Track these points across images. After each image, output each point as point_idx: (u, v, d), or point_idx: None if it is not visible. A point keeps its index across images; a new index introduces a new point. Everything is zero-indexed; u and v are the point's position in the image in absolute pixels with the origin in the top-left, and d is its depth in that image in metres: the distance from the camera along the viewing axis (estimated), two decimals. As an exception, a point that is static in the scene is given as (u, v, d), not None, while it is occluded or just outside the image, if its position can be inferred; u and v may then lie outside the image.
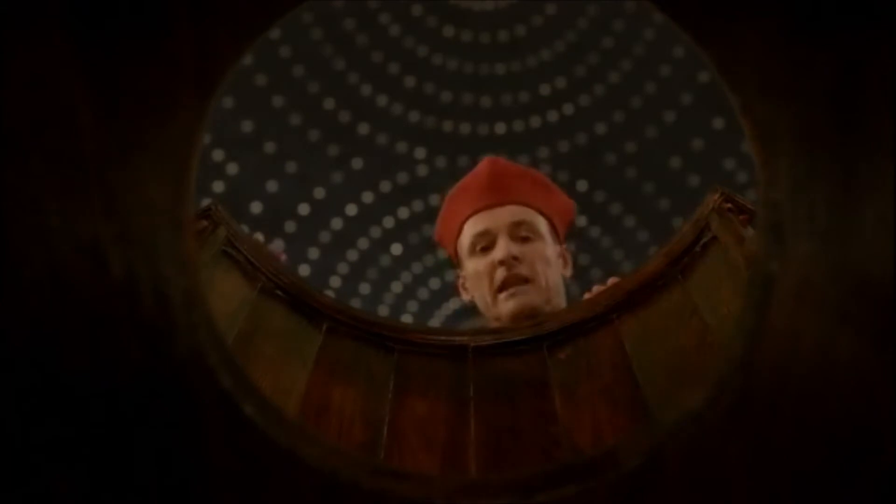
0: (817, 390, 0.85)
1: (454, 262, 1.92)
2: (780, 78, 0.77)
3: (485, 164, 1.91)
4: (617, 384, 1.33)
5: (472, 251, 1.79)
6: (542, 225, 1.81)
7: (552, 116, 3.86)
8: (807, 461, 0.87)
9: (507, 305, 1.72)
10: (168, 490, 0.87)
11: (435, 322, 3.76)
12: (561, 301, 1.78)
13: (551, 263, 1.78)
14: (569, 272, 1.86)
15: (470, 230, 1.81)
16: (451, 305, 3.77)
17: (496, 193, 1.83)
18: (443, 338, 1.53)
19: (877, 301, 0.80)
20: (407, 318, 3.74)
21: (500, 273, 1.72)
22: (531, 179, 1.92)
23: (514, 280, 1.72)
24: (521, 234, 1.76)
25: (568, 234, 1.97)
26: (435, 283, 3.82)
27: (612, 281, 1.63)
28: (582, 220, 3.79)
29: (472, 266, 1.79)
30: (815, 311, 0.83)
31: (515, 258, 1.71)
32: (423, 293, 3.84)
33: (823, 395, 0.84)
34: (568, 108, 3.86)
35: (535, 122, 3.87)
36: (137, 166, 0.79)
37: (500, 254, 1.72)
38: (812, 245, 0.81)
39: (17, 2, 0.72)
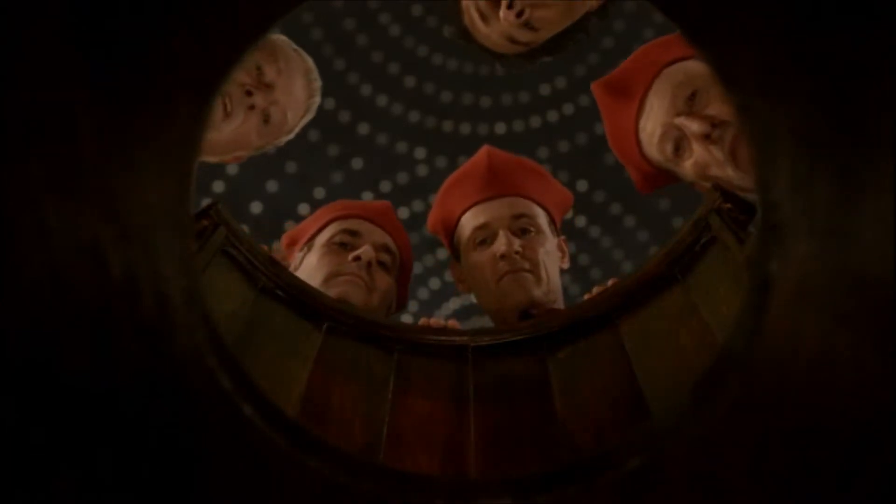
0: (817, 390, 0.85)
1: (449, 251, 1.91)
2: (779, 78, 0.77)
3: (482, 154, 1.89)
4: (617, 384, 1.33)
5: (472, 244, 1.78)
6: (541, 217, 1.80)
7: (552, 116, 3.86)
8: (806, 461, 0.87)
9: (508, 292, 1.70)
10: (168, 490, 0.87)
11: (435, 322, 3.75)
12: (558, 295, 1.77)
13: (551, 256, 1.76)
14: (566, 264, 1.85)
15: (469, 223, 1.79)
16: (451, 305, 3.76)
17: (495, 185, 1.82)
18: (443, 338, 1.53)
19: (876, 301, 0.80)
20: (407, 319, 3.74)
21: (503, 266, 1.71)
22: (529, 170, 1.91)
23: (516, 271, 1.71)
24: (521, 226, 1.76)
25: (568, 233, 1.96)
26: (435, 283, 3.82)
27: (612, 282, 1.62)
28: (582, 220, 3.79)
29: (473, 259, 1.77)
30: (815, 311, 0.83)
31: (517, 252, 1.70)
32: (423, 293, 3.84)
33: (823, 394, 0.84)
34: (568, 108, 3.86)
35: (535, 122, 3.86)
36: (137, 167, 0.79)
37: (503, 248, 1.71)
38: (811, 245, 0.81)
39: (17, 2, 0.72)
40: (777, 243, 0.82)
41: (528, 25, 1.53)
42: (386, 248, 1.80)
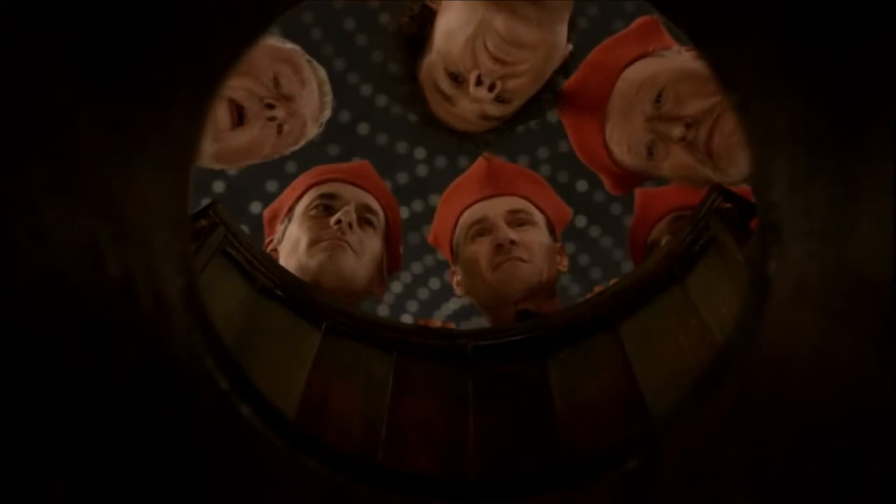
0: (816, 390, 0.85)
1: (450, 261, 1.90)
2: (778, 77, 0.77)
3: (481, 161, 1.90)
4: (617, 384, 1.33)
5: (469, 238, 1.77)
6: (538, 217, 1.80)
7: (552, 116, 3.86)
8: (806, 461, 0.87)
9: (504, 280, 1.69)
10: (167, 490, 0.87)
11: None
12: (554, 293, 1.77)
13: (547, 253, 1.76)
14: (564, 268, 1.84)
15: (466, 221, 1.80)
16: (451, 306, 3.76)
17: (492, 186, 1.82)
18: (442, 338, 1.53)
19: (874, 300, 0.80)
20: (407, 318, 3.73)
21: (499, 254, 1.70)
22: (528, 177, 1.92)
23: (512, 259, 1.70)
24: (518, 220, 1.75)
25: (568, 233, 1.96)
26: (435, 283, 3.81)
27: (614, 283, 1.62)
28: (582, 220, 3.78)
29: (470, 251, 1.76)
30: (814, 310, 0.82)
31: (513, 242, 1.70)
32: (423, 293, 3.84)
33: (822, 394, 0.84)
34: (568, 108, 3.86)
35: (536, 122, 3.86)
36: (135, 166, 0.79)
37: (499, 237, 1.70)
38: (810, 245, 0.81)
39: (18, 2, 0.72)
40: (776, 243, 0.82)
41: (499, 99, 1.50)
42: (368, 208, 1.75)
